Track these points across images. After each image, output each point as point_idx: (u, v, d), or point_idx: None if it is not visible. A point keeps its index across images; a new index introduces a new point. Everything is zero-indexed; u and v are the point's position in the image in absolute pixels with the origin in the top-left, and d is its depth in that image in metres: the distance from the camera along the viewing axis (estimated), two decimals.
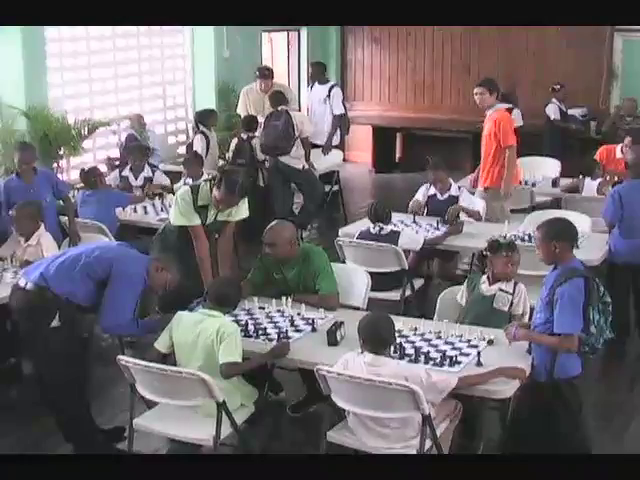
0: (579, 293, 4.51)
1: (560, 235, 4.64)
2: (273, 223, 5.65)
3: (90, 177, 7.74)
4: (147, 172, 8.45)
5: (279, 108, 9.34)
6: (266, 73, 10.26)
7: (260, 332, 5.01)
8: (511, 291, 5.21)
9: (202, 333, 4.64)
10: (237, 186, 5.73)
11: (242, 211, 6.04)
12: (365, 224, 6.85)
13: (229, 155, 9.56)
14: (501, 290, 5.22)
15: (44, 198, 6.93)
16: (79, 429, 5.08)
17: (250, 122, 9.59)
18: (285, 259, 5.48)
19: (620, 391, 6.06)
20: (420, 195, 7.57)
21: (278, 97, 9.52)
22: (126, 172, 8.44)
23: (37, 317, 4.93)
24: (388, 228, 6.67)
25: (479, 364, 4.53)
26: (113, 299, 4.88)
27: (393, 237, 6.60)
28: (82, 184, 7.97)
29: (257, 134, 9.57)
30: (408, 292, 6.58)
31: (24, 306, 5.00)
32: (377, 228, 6.64)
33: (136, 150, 8.70)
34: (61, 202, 7.26)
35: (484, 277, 5.30)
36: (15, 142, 8.07)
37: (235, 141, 9.56)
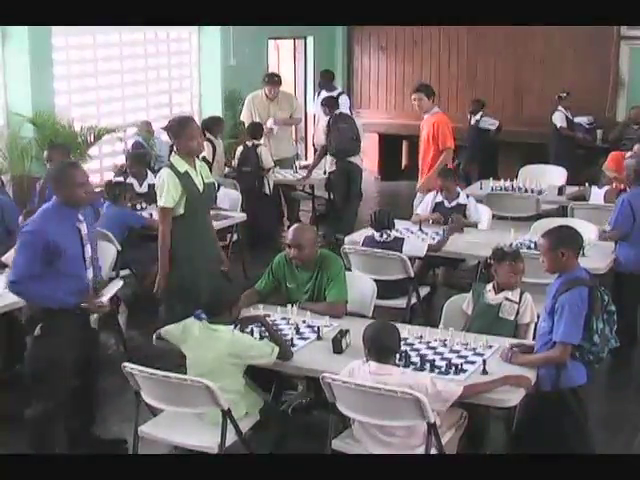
0: (581, 303, 4.50)
1: (567, 242, 4.63)
2: (296, 225, 5.68)
3: (114, 190, 7.64)
4: (150, 179, 8.45)
5: (338, 112, 9.71)
6: (275, 79, 10.27)
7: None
8: (517, 300, 5.20)
9: (211, 351, 4.62)
10: (187, 121, 5.90)
11: (208, 171, 6.09)
12: (369, 231, 6.83)
13: (234, 162, 9.58)
14: (507, 299, 5.20)
15: None
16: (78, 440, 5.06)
17: (256, 129, 9.61)
18: (306, 262, 5.48)
19: (627, 401, 6.02)
20: (427, 207, 7.52)
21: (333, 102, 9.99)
22: (130, 179, 8.44)
23: (22, 331, 4.99)
24: (392, 235, 6.66)
25: (484, 372, 4.52)
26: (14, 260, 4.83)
27: (397, 244, 6.60)
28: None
29: (262, 142, 9.59)
30: (414, 300, 6.57)
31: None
32: (385, 235, 6.63)
33: (134, 158, 8.70)
34: None
35: (489, 286, 5.28)
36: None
37: (240, 148, 9.58)
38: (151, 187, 8.36)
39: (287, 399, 5.55)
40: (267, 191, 9.51)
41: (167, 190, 5.72)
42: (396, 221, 6.90)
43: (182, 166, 5.80)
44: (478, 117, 11.75)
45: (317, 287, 5.49)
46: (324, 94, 11.37)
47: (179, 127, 5.85)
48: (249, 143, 9.50)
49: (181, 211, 5.78)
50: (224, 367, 4.60)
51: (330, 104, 9.91)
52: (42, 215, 4.75)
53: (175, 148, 5.91)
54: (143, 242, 7.64)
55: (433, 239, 7.01)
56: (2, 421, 5.64)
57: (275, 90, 10.19)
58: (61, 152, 7.14)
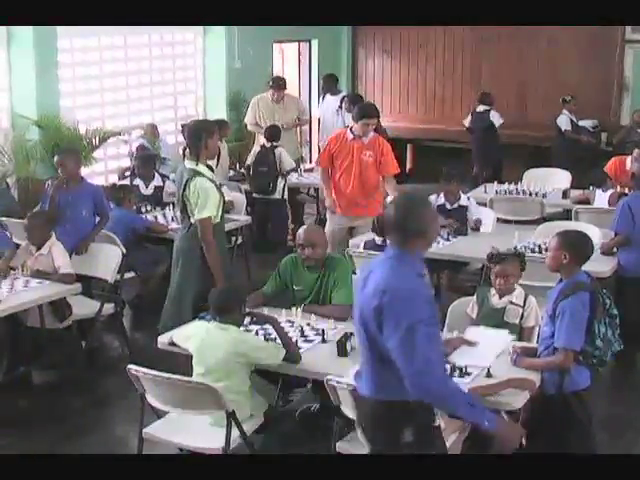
0: (583, 308, 4.49)
1: (572, 246, 4.63)
2: (306, 226, 5.72)
3: (119, 193, 7.67)
4: (157, 181, 8.46)
5: None
6: (280, 83, 10.27)
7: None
8: (521, 303, 5.20)
9: (219, 348, 4.63)
10: (195, 125, 5.94)
11: None
12: (371, 235, 6.82)
13: (249, 162, 9.48)
14: (512, 303, 5.21)
15: (80, 210, 6.86)
16: None
17: (274, 132, 9.52)
18: (318, 262, 5.47)
19: (631, 405, 6.02)
20: None
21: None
22: (137, 181, 8.45)
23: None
24: None
25: (489, 375, 4.52)
26: None
27: None
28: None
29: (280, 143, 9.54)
30: None
31: None
32: (387, 240, 6.61)
33: (142, 160, 8.71)
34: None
35: (494, 289, 5.28)
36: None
37: (257, 149, 9.53)
38: (157, 189, 8.41)
39: (294, 398, 5.55)
40: (286, 196, 9.46)
41: (212, 200, 5.75)
42: None
43: (208, 173, 5.82)
44: (493, 110, 11.69)
45: (323, 289, 5.49)
46: (329, 97, 11.39)
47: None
48: (267, 144, 9.45)
49: (217, 219, 5.84)
50: (230, 366, 4.60)
51: (356, 100, 9.94)
52: (402, 274, 3.55)
53: (204, 147, 5.78)
54: (147, 244, 7.67)
55: (438, 242, 7.02)
56: (6, 423, 5.66)
57: (280, 94, 10.18)
58: (74, 158, 7.10)
